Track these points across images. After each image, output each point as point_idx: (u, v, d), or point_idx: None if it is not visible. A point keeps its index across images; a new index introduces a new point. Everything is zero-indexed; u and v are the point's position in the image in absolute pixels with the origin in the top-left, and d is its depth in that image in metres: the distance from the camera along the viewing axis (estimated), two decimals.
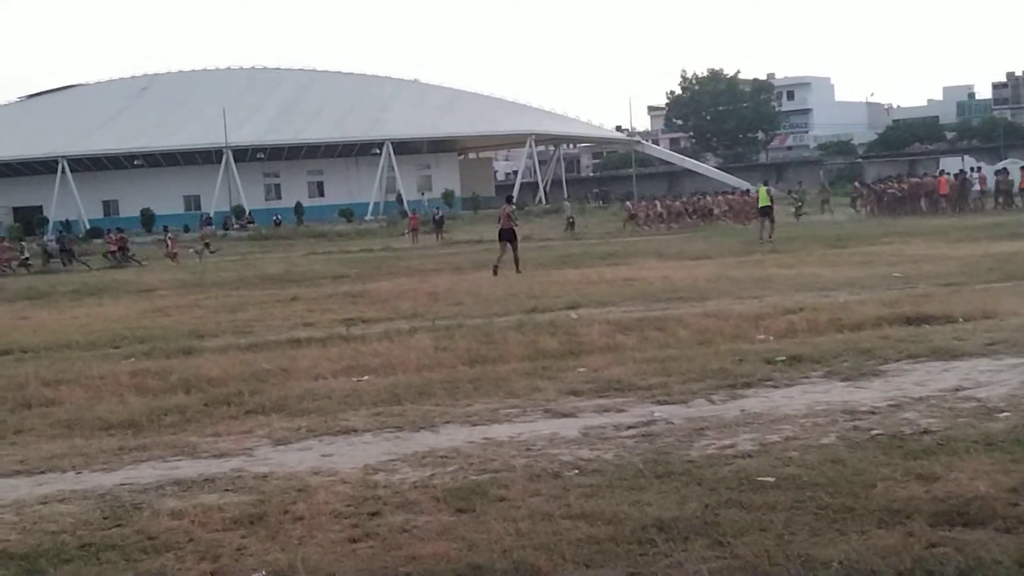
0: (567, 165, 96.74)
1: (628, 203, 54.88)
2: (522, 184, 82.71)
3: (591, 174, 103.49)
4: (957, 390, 8.38)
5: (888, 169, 66.11)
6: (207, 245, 43.66)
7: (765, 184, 36.77)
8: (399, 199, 73.37)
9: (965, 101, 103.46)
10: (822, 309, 13.45)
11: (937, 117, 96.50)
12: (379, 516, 5.87)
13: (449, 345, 12.15)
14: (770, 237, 31.12)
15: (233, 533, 5.72)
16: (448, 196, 73.32)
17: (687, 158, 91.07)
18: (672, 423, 7.81)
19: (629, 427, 7.76)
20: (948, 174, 45.20)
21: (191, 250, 45.39)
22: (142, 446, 8.00)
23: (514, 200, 31.66)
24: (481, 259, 29.68)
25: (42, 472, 7.41)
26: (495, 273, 23.69)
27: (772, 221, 32.47)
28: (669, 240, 34.97)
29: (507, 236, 25.44)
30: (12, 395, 10.44)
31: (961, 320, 11.95)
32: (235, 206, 71.05)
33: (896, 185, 46.21)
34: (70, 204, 71.58)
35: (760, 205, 33.42)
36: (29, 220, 70.13)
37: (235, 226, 65.58)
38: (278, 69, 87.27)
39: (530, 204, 74.96)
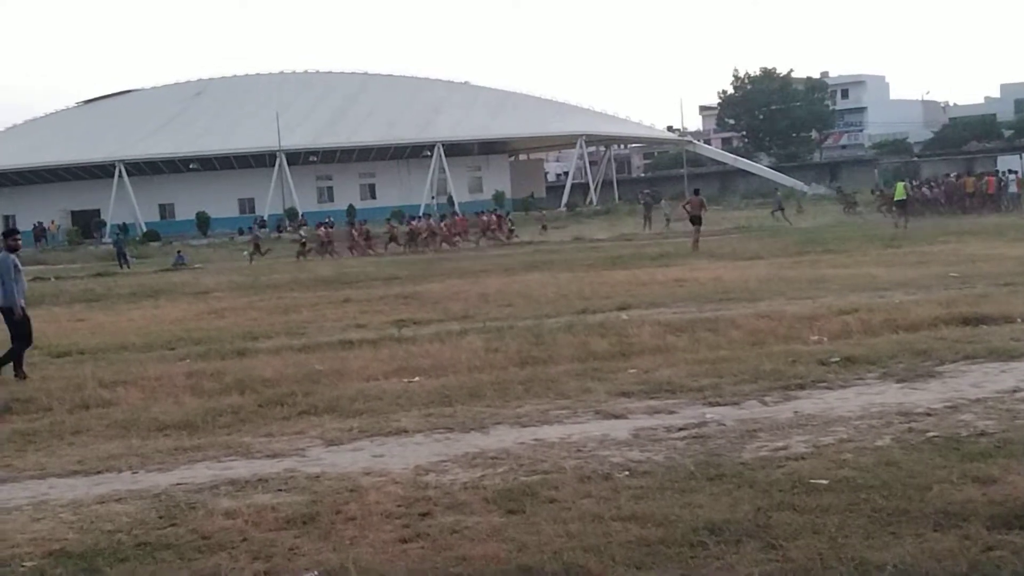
0: (618, 166, 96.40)
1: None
2: (573, 185, 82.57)
3: (642, 175, 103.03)
4: (1015, 391, 8.26)
5: (944, 168, 65.14)
6: (258, 247, 44.06)
7: (902, 181, 41.70)
8: (450, 201, 73.55)
9: (1023, 98, 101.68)
10: (877, 310, 13.30)
11: (995, 115, 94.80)
12: (430, 517, 5.90)
13: (499, 346, 12.17)
14: (905, 226, 34.26)
15: (286, 533, 5.78)
16: (499, 197, 73.36)
17: (740, 158, 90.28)
18: (724, 425, 7.77)
19: (680, 429, 7.74)
20: (977, 176, 44.89)
21: (244, 252, 45.86)
22: (197, 446, 8.10)
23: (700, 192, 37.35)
24: (533, 260, 29.71)
25: (99, 472, 7.54)
26: (696, 247, 29.73)
27: (907, 213, 36.54)
28: (721, 240, 34.73)
29: (697, 221, 31.39)
30: (70, 396, 10.62)
31: (1019, 320, 11.78)
32: (288, 209, 71.62)
33: (928, 188, 45.63)
34: (127, 208, 72.55)
35: (896, 199, 37.95)
36: (87, 223, 71.19)
37: (288, 228, 66.05)
38: (330, 72, 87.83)
39: (581, 205, 74.77)
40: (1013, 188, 43.26)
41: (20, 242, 13.52)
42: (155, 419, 9.25)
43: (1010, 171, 47.51)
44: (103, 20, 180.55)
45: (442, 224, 45.14)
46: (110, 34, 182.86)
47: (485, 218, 46.96)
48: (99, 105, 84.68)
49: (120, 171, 73.38)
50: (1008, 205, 41.73)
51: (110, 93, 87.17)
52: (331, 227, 46.27)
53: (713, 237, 38.16)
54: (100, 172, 74.12)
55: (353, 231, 45.25)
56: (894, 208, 38.54)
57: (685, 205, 35.41)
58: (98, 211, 74.67)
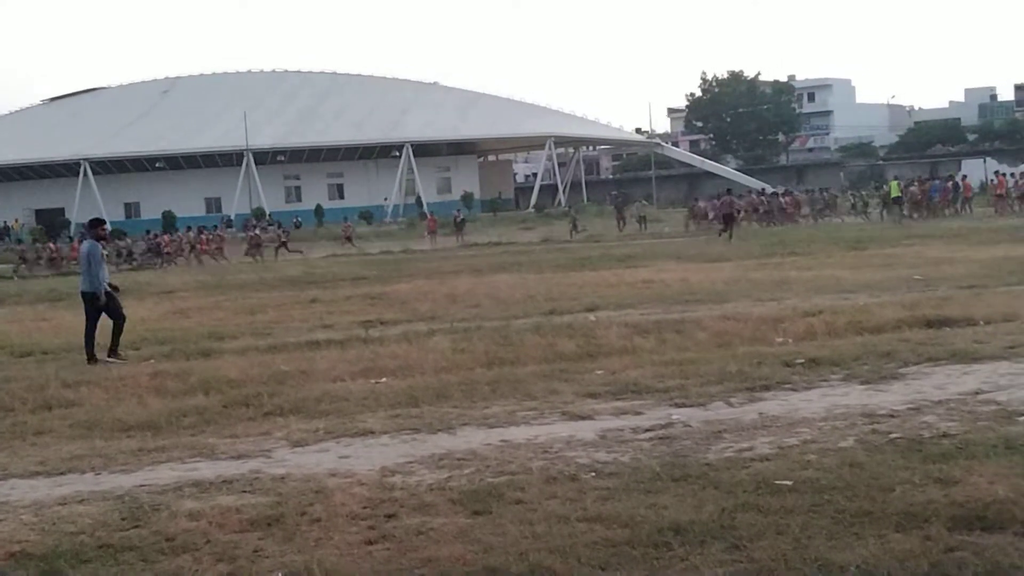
0: (586, 167, 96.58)
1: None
2: (541, 186, 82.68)
3: (611, 176, 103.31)
4: (977, 393, 8.34)
5: (909, 171, 65.71)
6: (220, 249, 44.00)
7: (896, 179, 45.39)
8: (418, 201, 73.47)
9: (987, 103, 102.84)
10: (841, 312, 13.39)
11: (959, 119, 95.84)
12: (395, 518, 5.88)
13: (467, 347, 12.16)
14: (900, 221, 38.12)
15: (250, 535, 5.74)
16: (467, 198, 73.36)
17: (707, 160, 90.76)
18: (690, 426, 7.80)
19: (646, 430, 7.76)
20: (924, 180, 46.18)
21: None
22: (161, 447, 8.04)
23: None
24: (500, 261, 29.72)
25: (61, 473, 7.47)
26: (730, 237, 33.36)
27: (901, 207, 40.49)
28: (688, 243, 34.89)
29: (728, 220, 35.37)
30: (33, 396, 10.52)
31: (981, 323, 11.89)
32: (255, 208, 71.31)
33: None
34: (92, 206, 71.89)
35: (892, 196, 41.32)
36: (51, 222, 70.56)
37: (255, 228, 65.78)
38: (299, 72, 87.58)
39: (549, 207, 74.90)
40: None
41: (107, 232, 14.26)
42: (119, 420, 9.17)
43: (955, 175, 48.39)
44: (70, 17, 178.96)
45: (202, 237, 44.41)
46: (77, 31, 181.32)
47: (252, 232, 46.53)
48: (65, 103, 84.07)
49: (85, 169, 72.85)
50: (960, 209, 42.42)
51: (76, 91, 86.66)
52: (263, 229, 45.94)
53: (680, 239, 38.39)
54: (65, 170, 73.60)
55: (203, 237, 44.69)
56: (893, 206, 41.33)
57: (719, 204, 39.84)
58: (63, 210, 74.02)
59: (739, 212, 40.59)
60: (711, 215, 45.53)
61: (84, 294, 13.72)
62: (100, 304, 13.50)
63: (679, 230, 46.32)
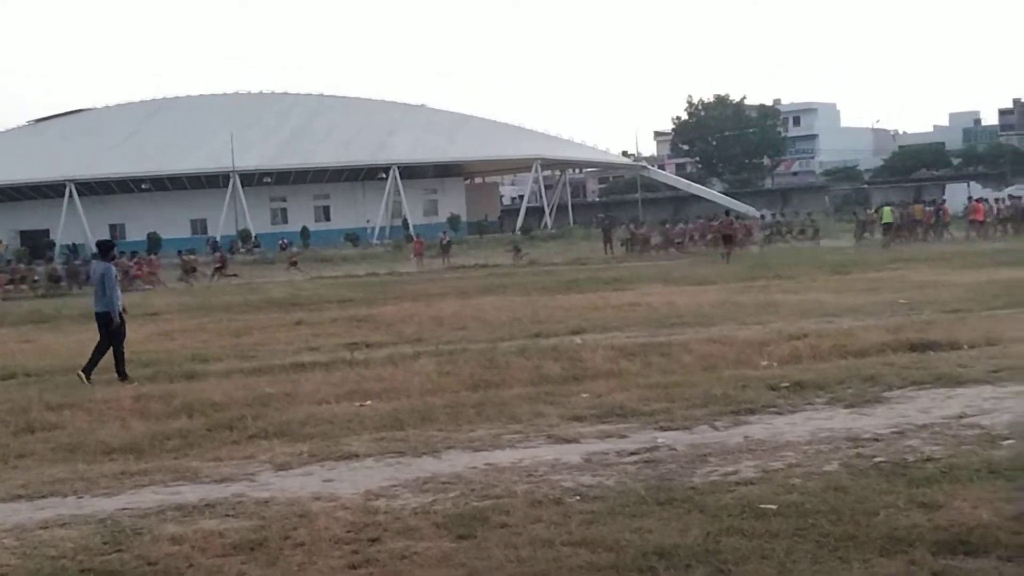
0: (573, 190, 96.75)
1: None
2: (528, 209, 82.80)
3: (597, 199, 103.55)
4: (961, 417, 8.37)
5: (895, 195, 66.11)
6: (193, 270, 44.01)
7: (888, 205, 46.39)
8: (405, 224, 73.50)
9: (971, 127, 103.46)
10: (826, 335, 13.43)
11: (943, 143, 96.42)
12: (379, 542, 5.86)
13: (452, 370, 12.15)
14: (887, 245, 38.69)
15: (233, 559, 5.71)
16: (454, 220, 73.42)
17: (693, 183, 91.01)
18: (675, 449, 7.80)
19: (632, 453, 7.75)
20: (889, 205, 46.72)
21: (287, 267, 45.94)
22: (144, 471, 8.00)
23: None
24: (486, 283, 29.71)
25: (43, 496, 7.42)
26: (727, 260, 34.12)
27: (892, 235, 41.09)
28: (674, 265, 34.98)
29: (729, 240, 36.84)
30: (15, 419, 10.45)
31: (965, 347, 11.93)
32: (241, 230, 71.19)
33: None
34: (77, 228, 71.77)
35: (883, 222, 42.13)
36: (36, 244, 70.25)
37: (241, 250, 65.75)
38: (285, 94, 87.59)
39: (536, 229, 74.98)
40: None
41: (116, 254, 14.21)
42: (101, 443, 9.12)
43: (935, 200, 48.86)
44: (57, 38, 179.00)
45: (134, 262, 44.13)
46: (63, 53, 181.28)
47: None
48: (51, 124, 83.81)
49: (71, 191, 72.63)
50: (939, 233, 43.06)
51: (62, 112, 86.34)
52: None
53: (664, 262, 38.47)
54: (50, 192, 73.37)
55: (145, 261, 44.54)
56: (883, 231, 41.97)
57: (719, 226, 40.63)
58: (47, 231, 73.76)
59: (738, 234, 41.30)
60: (653, 240, 46.89)
61: (99, 315, 13.90)
62: (114, 326, 13.74)
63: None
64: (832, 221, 57.93)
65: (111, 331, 13.77)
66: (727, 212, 45.13)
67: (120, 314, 13.96)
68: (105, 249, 14.81)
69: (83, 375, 13.26)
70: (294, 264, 46.86)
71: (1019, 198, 44.31)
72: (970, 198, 46.39)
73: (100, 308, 13.95)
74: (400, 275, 40.74)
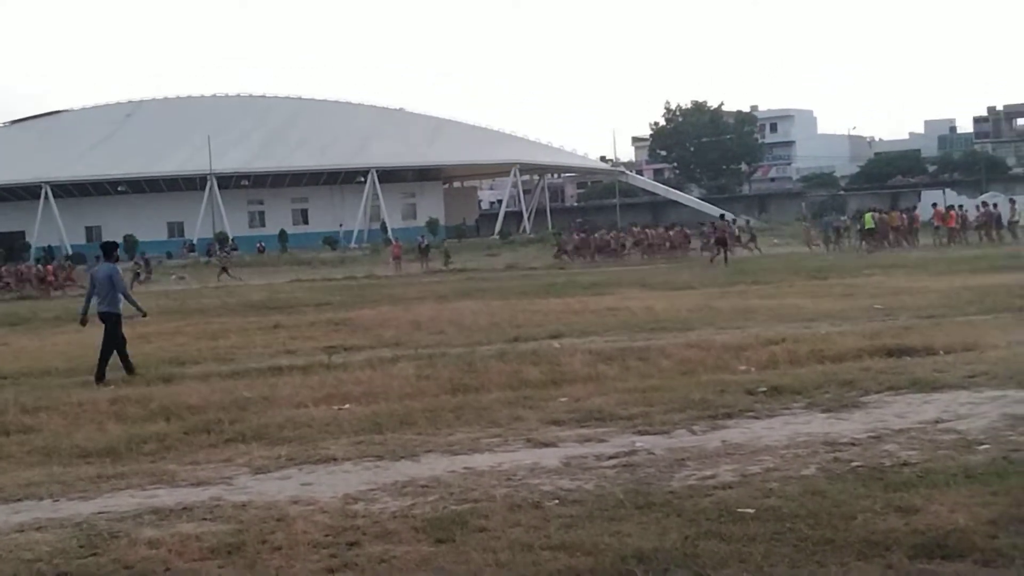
0: (551, 195, 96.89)
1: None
2: (506, 213, 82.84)
3: (575, 204, 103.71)
4: (937, 422, 8.40)
5: (870, 202, 66.40)
6: (225, 269, 43.87)
7: (871, 210, 46.75)
8: (383, 227, 73.39)
9: (947, 135, 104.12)
10: (803, 340, 13.48)
11: (919, 150, 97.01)
12: (358, 546, 5.84)
13: (431, 374, 12.14)
14: (869, 252, 39.48)
15: (211, 563, 5.68)
16: (432, 224, 73.40)
17: (671, 189, 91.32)
18: (653, 453, 7.80)
19: (610, 457, 7.75)
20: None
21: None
22: (120, 474, 7.95)
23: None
24: (465, 287, 29.71)
25: (18, 500, 7.36)
26: (725, 261, 35.79)
27: (874, 239, 41.95)
28: (653, 270, 35.09)
29: (721, 242, 37.76)
30: None
31: (941, 352, 12.00)
32: (218, 233, 70.91)
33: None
34: (53, 230, 71.34)
35: (865, 228, 42.69)
36: (11, 246, 69.76)
37: (218, 253, 65.52)
38: (263, 97, 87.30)
39: (514, 234, 75.00)
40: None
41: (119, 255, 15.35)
42: (77, 446, 9.06)
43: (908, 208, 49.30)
44: (31, 39, 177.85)
45: (48, 268, 43.66)
46: (38, 54, 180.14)
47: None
48: (27, 125, 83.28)
49: (47, 192, 72.18)
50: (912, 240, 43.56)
51: (38, 113, 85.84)
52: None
53: (644, 267, 38.58)
54: (26, 193, 72.93)
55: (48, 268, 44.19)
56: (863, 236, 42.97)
57: (713, 229, 42.26)
58: (23, 233, 73.27)
59: (731, 238, 42.07)
60: (570, 247, 47.49)
61: (107, 315, 14.02)
62: (111, 325, 13.91)
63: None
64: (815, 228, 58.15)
65: (108, 332, 13.92)
66: (722, 216, 46.61)
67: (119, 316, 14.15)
68: (108, 250, 14.98)
69: (127, 373, 13.70)
70: (224, 271, 46.09)
71: (990, 205, 44.59)
72: (934, 205, 46.57)
73: (106, 308, 14.08)
74: (378, 279, 40.68)
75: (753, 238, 46.45)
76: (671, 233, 48.88)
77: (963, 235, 42.68)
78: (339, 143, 78.24)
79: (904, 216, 45.13)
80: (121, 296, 14.19)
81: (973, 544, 5.28)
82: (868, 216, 44.08)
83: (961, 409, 8.86)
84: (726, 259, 37.09)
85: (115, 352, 13.88)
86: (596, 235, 50.30)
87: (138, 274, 43.06)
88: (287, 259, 57.63)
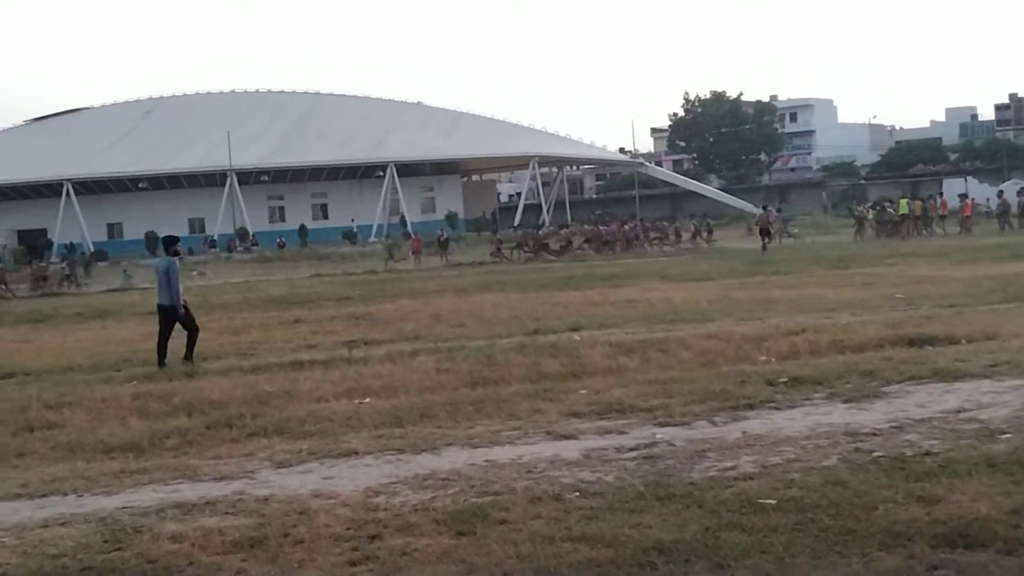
0: (570, 187, 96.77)
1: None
2: (525, 206, 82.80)
3: (594, 196, 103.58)
4: (959, 412, 8.38)
5: (891, 191, 66.09)
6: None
7: (903, 197, 48.23)
8: (402, 221, 73.49)
9: (968, 122, 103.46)
10: (824, 330, 13.44)
11: (940, 138, 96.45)
12: (379, 539, 5.87)
13: (451, 367, 12.16)
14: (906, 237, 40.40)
15: (233, 556, 5.72)
16: (451, 218, 73.43)
17: (690, 180, 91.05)
18: (674, 445, 7.80)
19: (631, 449, 7.76)
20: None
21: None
22: (143, 469, 8.00)
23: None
24: (484, 280, 29.73)
25: (43, 495, 7.42)
26: (763, 250, 37.21)
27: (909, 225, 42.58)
28: (672, 261, 35.02)
29: (766, 233, 39.55)
30: (14, 418, 10.47)
31: (963, 341, 11.94)
32: (239, 228, 71.17)
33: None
34: (74, 227, 71.75)
35: (899, 213, 43.56)
36: (34, 243, 70.24)
37: (239, 248, 65.79)
38: (282, 92, 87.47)
39: (533, 226, 74.94)
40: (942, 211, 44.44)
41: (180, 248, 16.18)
42: (101, 441, 9.12)
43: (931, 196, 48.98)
44: (53, 37, 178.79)
45: None
46: (60, 52, 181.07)
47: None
48: (48, 123, 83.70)
49: (68, 190, 72.59)
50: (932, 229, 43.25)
51: (59, 111, 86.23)
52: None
53: (663, 258, 38.51)
54: (48, 191, 73.36)
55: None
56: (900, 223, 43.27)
57: (758, 221, 43.18)
58: (45, 230, 73.74)
59: (774, 226, 42.90)
60: (530, 243, 46.75)
61: (162, 307, 14.71)
62: (180, 316, 14.68)
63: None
64: (829, 216, 58.00)
65: (181, 320, 14.70)
66: (765, 207, 47.18)
67: (184, 305, 14.84)
68: (168, 244, 15.59)
69: (188, 361, 14.33)
70: (203, 275, 44.90)
71: (1011, 193, 44.51)
72: (963, 196, 46.44)
73: (163, 300, 14.72)
74: (398, 272, 40.73)
75: (707, 230, 47.44)
76: (626, 228, 49.17)
77: (971, 224, 42.43)
78: (358, 137, 78.34)
79: (933, 203, 44.80)
80: (179, 288, 14.75)
81: (995, 533, 5.27)
82: (903, 202, 44.62)
83: (983, 398, 8.83)
84: (763, 247, 38.22)
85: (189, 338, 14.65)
86: (540, 231, 49.73)
87: (68, 276, 42.18)
88: (307, 254, 57.69)
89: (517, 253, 45.78)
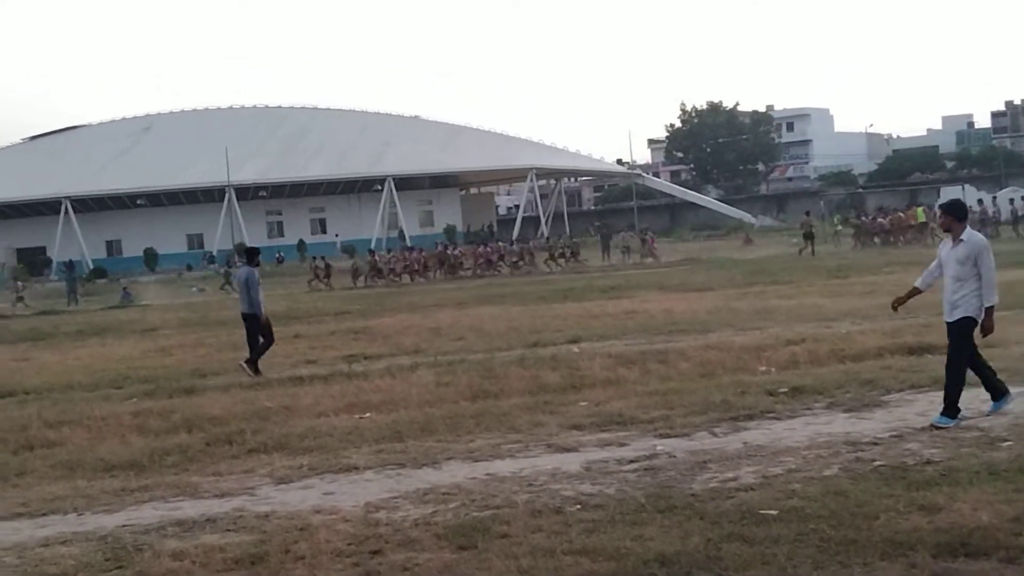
0: (568, 199, 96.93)
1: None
2: (524, 218, 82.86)
3: (593, 207, 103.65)
4: (959, 420, 8.36)
5: (889, 199, 66.19)
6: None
7: (920, 206, 48.86)
8: (401, 235, 73.50)
9: (964, 130, 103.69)
10: (824, 340, 13.45)
11: (937, 147, 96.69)
12: (380, 554, 5.86)
13: (451, 380, 12.16)
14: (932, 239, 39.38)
15: (234, 573, 5.72)
16: (450, 231, 73.46)
17: (688, 190, 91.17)
18: (674, 456, 7.80)
19: (631, 461, 7.76)
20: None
21: (193, 288, 45.39)
22: (144, 487, 7.99)
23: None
24: (483, 294, 29.71)
25: (44, 514, 7.41)
26: (812, 252, 39.06)
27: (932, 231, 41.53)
28: (671, 272, 35.02)
29: (809, 237, 40.53)
30: (14, 437, 10.44)
31: None
32: (237, 244, 71.18)
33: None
34: (73, 244, 71.74)
35: (919, 220, 43.77)
36: (33, 261, 70.25)
37: (237, 264, 65.73)
38: (280, 107, 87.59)
39: (532, 238, 75.00)
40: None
41: (260, 260, 16.34)
42: (101, 459, 9.10)
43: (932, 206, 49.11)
44: (49, 55, 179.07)
45: None
46: (57, 71, 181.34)
47: None
48: (45, 141, 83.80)
49: (67, 207, 72.61)
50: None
51: (57, 129, 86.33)
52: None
53: (663, 269, 38.50)
54: (46, 209, 73.36)
55: None
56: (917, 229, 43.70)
57: (801, 224, 43.93)
58: (44, 248, 73.76)
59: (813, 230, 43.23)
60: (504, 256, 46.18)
61: (246, 316, 15.11)
62: (261, 323, 14.95)
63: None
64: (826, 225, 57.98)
65: (259, 328, 14.96)
66: (807, 213, 47.57)
67: (264, 315, 15.04)
68: (251, 255, 16.15)
69: (251, 364, 14.56)
70: (21, 300, 41.97)
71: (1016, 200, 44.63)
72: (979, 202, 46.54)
73: (246, 309, 15.11)
74: (397, 286, 40.70)
75: (570, 254, 47.04)
76: (518, 248, 49.27)
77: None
78: (355, 152, 78.43)
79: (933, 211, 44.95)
80: (261, 298, 14.92)
81: (997, 542, 5.27)
82: (920, 210, 45.08)
83: (983, 406, 8.82)
84: (813, 251, 39.49)
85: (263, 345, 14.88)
86: (421, 252, 47.49)
87: (21, 298, 41.29)
88: (306, 269, 57.59)
89: (363, 280, 43.90)
